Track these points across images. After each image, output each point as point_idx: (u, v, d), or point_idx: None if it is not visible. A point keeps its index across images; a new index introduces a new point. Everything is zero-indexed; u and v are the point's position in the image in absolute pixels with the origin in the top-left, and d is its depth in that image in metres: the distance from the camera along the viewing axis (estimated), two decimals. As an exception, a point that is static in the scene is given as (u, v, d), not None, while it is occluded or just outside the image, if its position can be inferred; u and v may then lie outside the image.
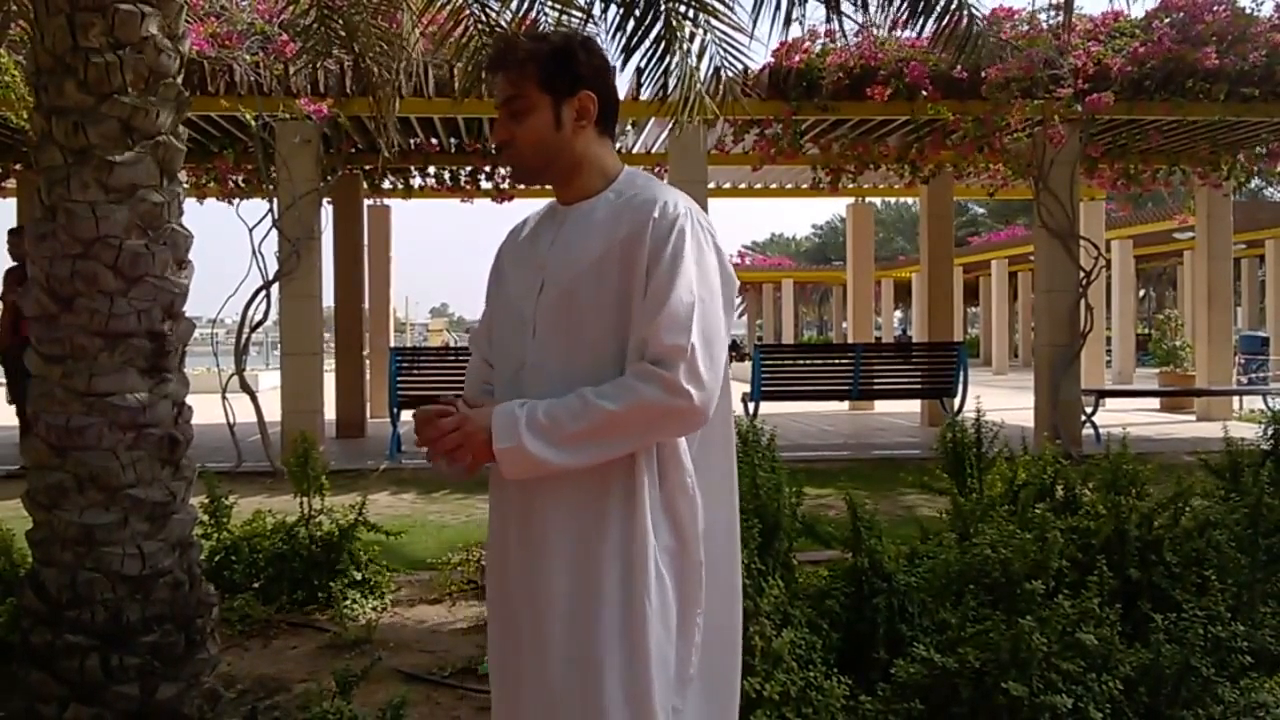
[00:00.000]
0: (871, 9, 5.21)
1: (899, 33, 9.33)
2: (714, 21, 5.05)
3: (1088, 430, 10.12)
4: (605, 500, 1.80)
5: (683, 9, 4.97)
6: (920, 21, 5.25)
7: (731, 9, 5.00)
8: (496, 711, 1.97)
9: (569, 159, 1.91)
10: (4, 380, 9.25)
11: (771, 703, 2.68)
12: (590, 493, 1.80)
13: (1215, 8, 9.13)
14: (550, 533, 1.83)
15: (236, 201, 10.73)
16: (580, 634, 1.79)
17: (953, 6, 5.19)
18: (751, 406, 10.43)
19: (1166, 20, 9.24)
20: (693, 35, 5.06)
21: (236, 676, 3.69)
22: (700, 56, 5.15)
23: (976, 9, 5.32)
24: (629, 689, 1.76)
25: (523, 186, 12.97)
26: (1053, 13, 9.41)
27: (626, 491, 1.80)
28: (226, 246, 12.52)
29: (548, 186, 2.00)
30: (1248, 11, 9.27)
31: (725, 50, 5.24)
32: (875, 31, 8.84)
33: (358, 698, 2.92)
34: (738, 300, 1.90)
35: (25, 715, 3.02)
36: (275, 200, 9.10)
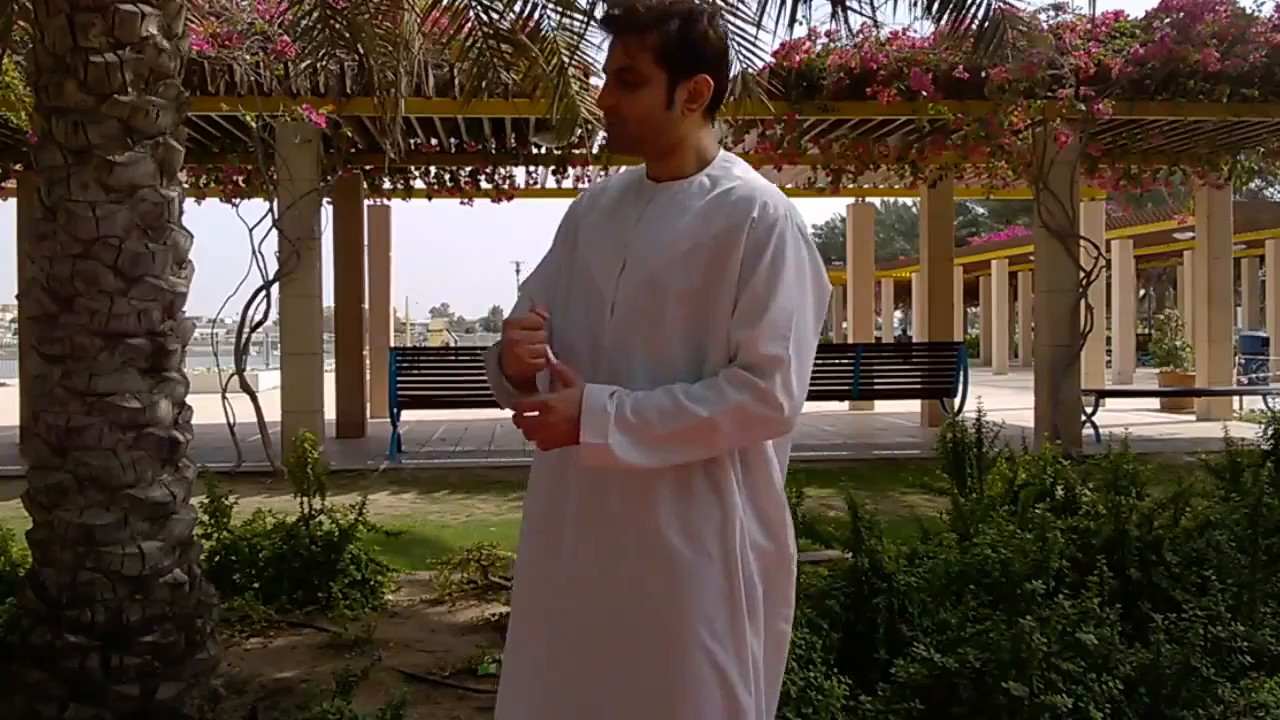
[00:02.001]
0: (880, 6, 5.19)
1: (911, 30, 9.36)
2: (728, 19, 5.05)
3: (1088, 430, 10.12)
4: (690, 493, 1.76)
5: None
6: (938, 15, 5.21)
7: (740, 3, 5.00)
8: (519, 703, 1.87)
9: (671, 139, 1.84)
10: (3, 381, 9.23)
11: (771, 703, 2.67)
12: (675, 485, 1.76)
13: (1215, 8, 9.13)
14: (629, 518, 1.77)
15: (237, 201, 10.74)
16: (665, 625, 1.74)
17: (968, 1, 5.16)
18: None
19: (1166, 20, 9.24)
20: None
21: (236, 676, 3.69)
22: None
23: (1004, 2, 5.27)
24: (721, 683, 1.73)
25: (523, 185, 13.03)
26: (1053, 13, 9.42)
27: (713, 484, 1.77)
28: (226, 246, 12.52)
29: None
30: (1248, 12, 9.27)
31: (739, 47, 5.23)
32: (876, 31, 8.86)
33: (358, 698, 2.92)
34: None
35: (25, 715, 3.02)
36: (275, 200, 9.10)
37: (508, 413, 1.83)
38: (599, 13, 5.06)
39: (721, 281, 1.76)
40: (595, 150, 10.87)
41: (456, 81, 8.77)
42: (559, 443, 1.74)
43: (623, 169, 2.38)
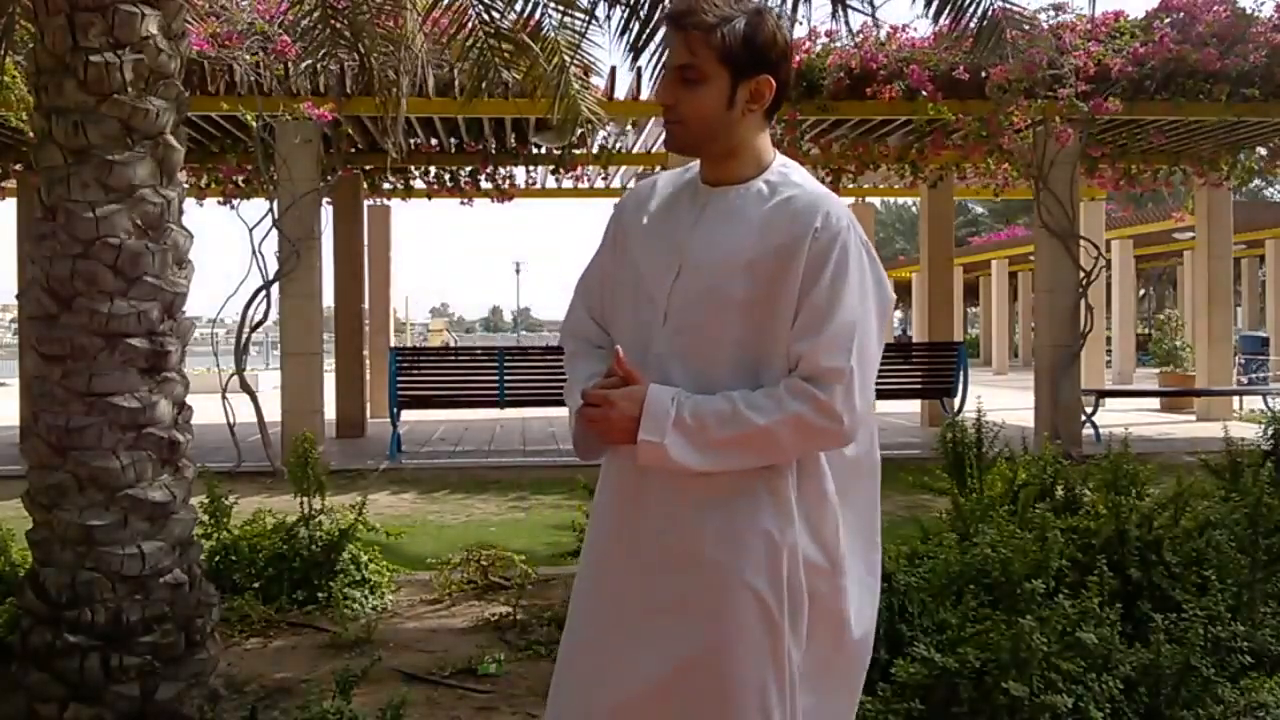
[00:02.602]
0: (880, 6, 5.19)
1: (911, 29, 9.35)
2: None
3: (1088, 430, 10.12)
4: (754, 499, 1.75)
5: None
6: (937, 14, 5.20)
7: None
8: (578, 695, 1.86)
9: (730, 140, 1.80)
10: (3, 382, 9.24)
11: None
12: (732, 490, 1.75)
13: (1215, 8, 9.13)
14: (690, 519, 1.76)
15: (237, 202, 10.73)
16: (718, 612, 1.74)
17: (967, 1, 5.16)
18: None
19: (1167, 20, 9.24)
20: None
21: (236, 676, 3.69)
22: None
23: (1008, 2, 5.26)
24: (762, 677, 1.73)
25: (523, 185, 13.02)
26: (1053, 13, 9.42)
27: (771, 491, 1.75)
28: (226, 246, 12.53)
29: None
30: (1248, 12, 9.27)
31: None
32: (876, 31, 8.86)
33: (358, 698, 2.92)
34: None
35: (25, 715, 3.02)
36: (275, 200, 9.10)
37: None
38: (600, 12, 5.08)
39: (783, 293, 1.73)
40: (595, 150, 10.89)
41: (457, 81, 8.77)
42: (619, 439, 1.75)
43: (660, 171, 2.32)
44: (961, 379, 10.84)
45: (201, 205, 11.79)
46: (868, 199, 15.72)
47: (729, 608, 1.73)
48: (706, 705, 1.74)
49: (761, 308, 1.74)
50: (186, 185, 6.88)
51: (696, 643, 1.74)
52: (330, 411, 10.72)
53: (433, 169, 11.81)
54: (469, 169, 11.77)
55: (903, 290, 33.47)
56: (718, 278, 1.76)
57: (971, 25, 5.29)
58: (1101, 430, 9.89)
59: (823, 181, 12.62)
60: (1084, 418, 10.11)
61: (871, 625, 1.91)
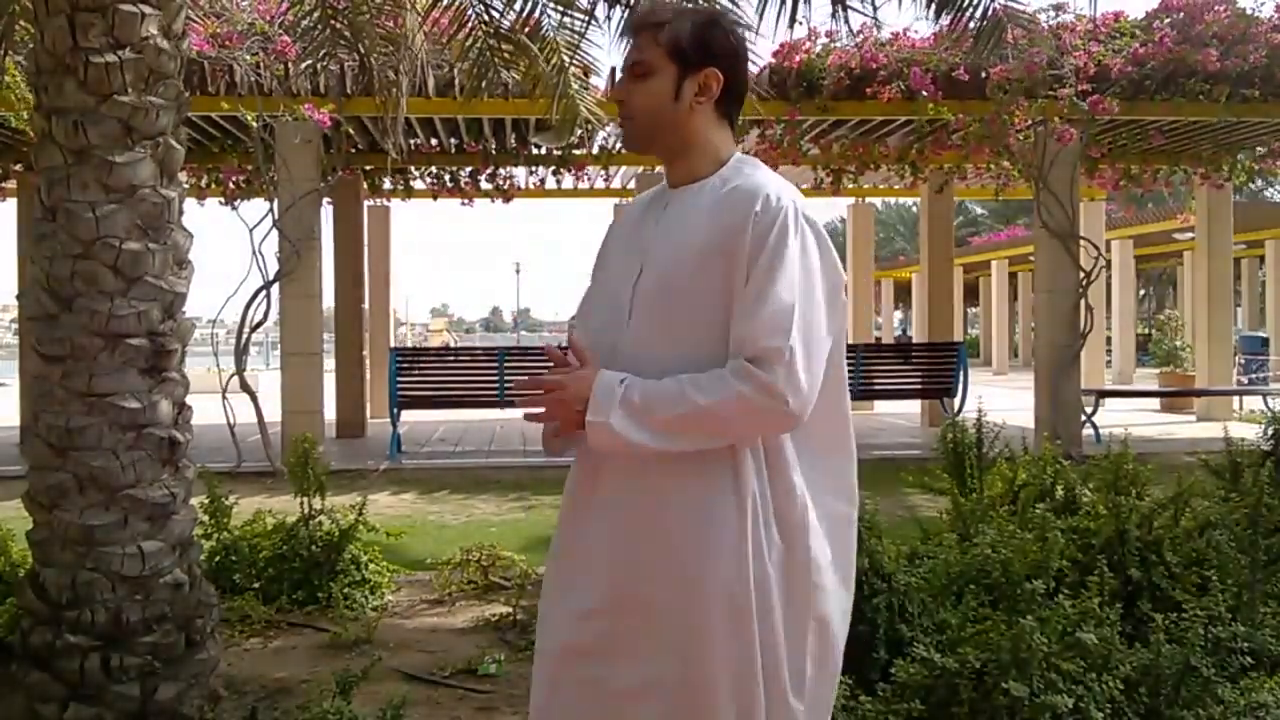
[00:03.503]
0: (880, 6, 5.19)
1: (911, 30, 9.35)
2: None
3: (1088, 430, 10.12)
4: (715, 493, 1.76)
5: (691, 9, 4.95)
6: (937, 14, 5.19)
7: (738, 6, 5.00)
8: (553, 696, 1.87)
9: (681, 135, 1.86)
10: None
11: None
12: (697, 483, 1.77)
13: (1215, 8, 9.13)
14: (655, 516, 1.78)
15: (237, 202, 10.73)
16: (686, 616, 1.75)
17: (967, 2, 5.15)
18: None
19: (1166, 21, 9.24)
20: None
21: (236, 676, 3.69)
22: None
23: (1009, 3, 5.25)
24: (737, 684, 1.73)
25: (524, 186, 13.01)
26: (1053, 13, 9.42)
27: (736, 489, 1.76)
28: (226, 246, 12.53)
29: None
30: (1248, 12, 9.27)
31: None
32: (876, 31, 8.86)
33: (358, 698, 2.92)
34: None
35: (25, 715, 3.02)
36: (275, 200, 9.10)
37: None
38: (600, 12, 5.08)
39: (734, 278, 1.76)
40: (595, 150, 10.88)
41: (457, 81, 8.77)
42: (573, 423, 1.77)
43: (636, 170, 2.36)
44: (961, 379, 10.84)
45: (202, 205, 11.79)
46: (868, 199, 15.71)
47: (699, 613, 1.74)
48: (679, 710, 1.75)
49: (716, 296, 1.77)
50: (186, 185, 6.88)
51: (667, 653, 1.76)
52: (330, 412, 10.72)
53: (433, 169, 11.81)
54: (469, 169, 11.77)
55: (903, 290, 33.50)
56: (672, 270, 1.81)
57: (972, 25, 5.28)
58: (1101, 430, 9.89)
59: (822, 181, 12.61)
60: (1084, 418, 10.10)
61: (846, 609, 1.91)
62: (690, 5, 1.86)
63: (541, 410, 1.81)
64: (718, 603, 1.74)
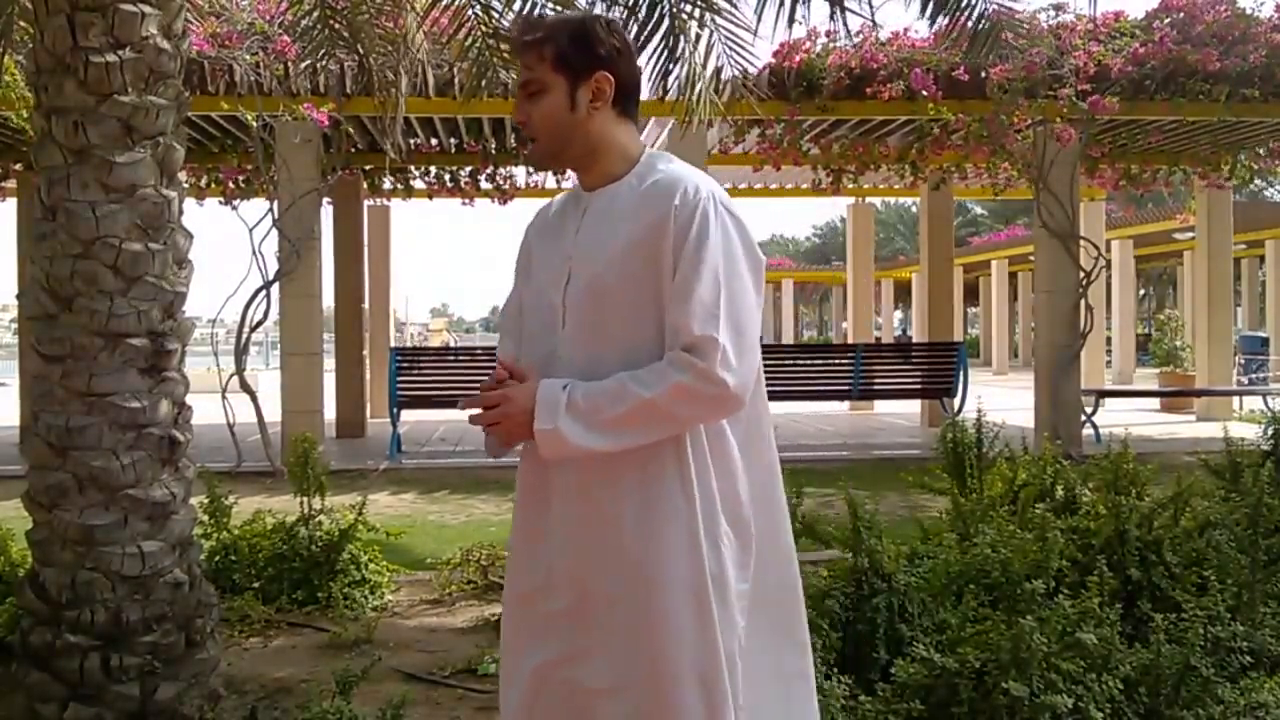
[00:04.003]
0: (879, 7, 5.19)
1: (911, 30, 9.34)
2: (719, 20, 5.04)
3: (1088, 430, 10.11)
4: (661, 483, 1.79)
5: (689, 9, 4.96)
6: (934, 15, 5.19)
7: (736, 7, 5.00)
8: (516, 698, 1.90)
9: (585, 142, 1.89)
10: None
11: (771, 703, 2.67)
12: (645, 474, 1.80)
13: (1215, 8, 9.13)
14: (607, 511, 1.81)
15: (237, 202, 10.73)
16: (647, 611, 1.78)
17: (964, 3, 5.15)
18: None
19: (1166, 20, 9.24)
20: (698, 37, 5.05)
21: (236, 676, 3.69)
22: (707, 56, 5.14)
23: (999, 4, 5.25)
24: (700, 666, 1.77)
25: (524, 185, 13.01)
26: (1053, 13, 9.42)
27: (681, 475, 1.80)
28: (226, 246, 12.52)
29: (568, 173, 2.00)
30: (1248, 12, 9.27)
31: (732, 49, 5.23)
32: (876, 32, 8.85)
33: (358, 698, 2.92)
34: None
35: (25, 715, 3.02)
36: (275, 200, 9.10)
37: None
38: (599, 12, 5.08)
39: (660, 274, 1.80)
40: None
41: (456, 81, 8.77)
42: (518, 436, 1.81)
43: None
44: (961, 379, 10.84)
45: (201, 205, 11.79)
46: (868, 199, 15.71)
47: (658, 609, 1.77)
48: (648, 705, 1.78)
49: (646, 292, 1.81)
50: (186, 185, 6.88)
51: (634, 653, 1.78)
52: (330, 411, 10.72)
53: (433, 169, 11.81)
54: (469, 169, 11.77)
55: (903, 290, 33.50)
56: (600, 271, 1.84)
57: (969, 25, 5.28)
58: (1101, 430, 9.88)
59: (822, 182, 12.61)
60: (1084, 418, 10.10)
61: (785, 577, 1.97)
62: (563, 13, 1.88)
63: (490, 411, 1.82)
64: (678, 601, 1.77)
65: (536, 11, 5.04)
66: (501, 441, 1.87)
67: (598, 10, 5.04)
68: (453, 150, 11.43)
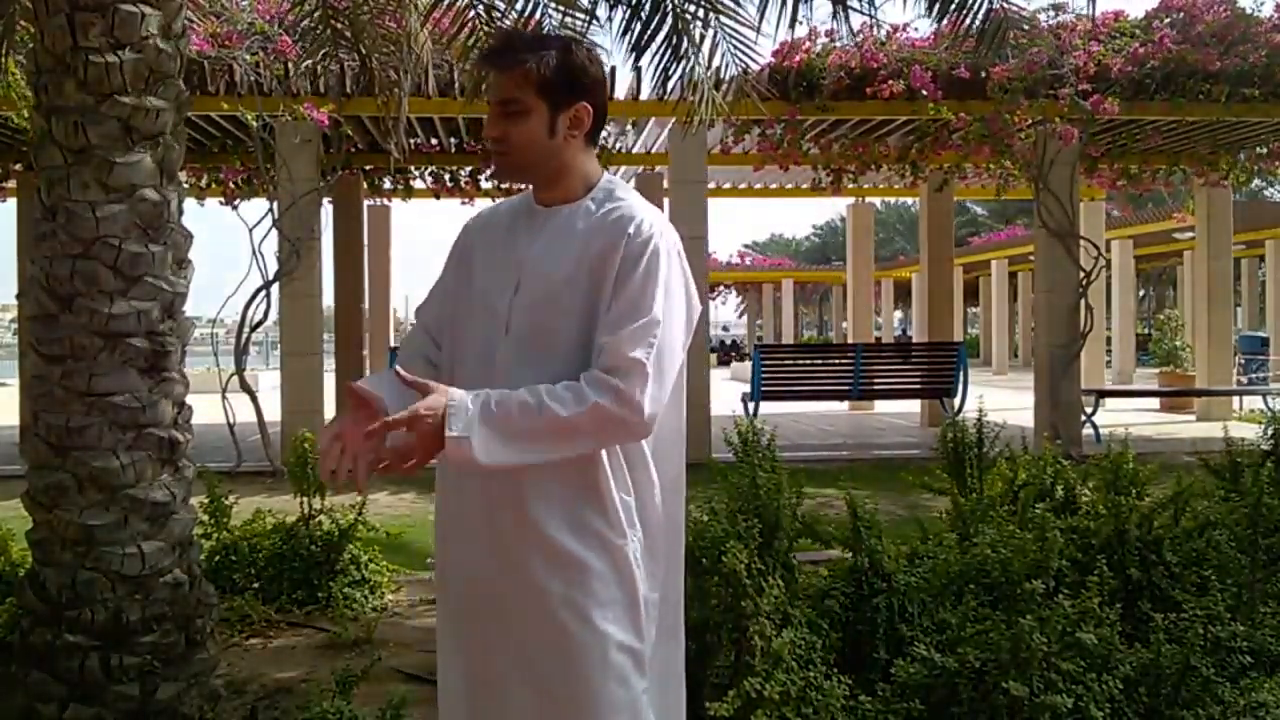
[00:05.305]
0: (881, 5, 5.19)
1: (911, 28, 9.34)
2: (723, 19, 5.04)
3: (1088, 430, 10.12)
4: (580, 495, 1.86)
5: (693, 8, 4.96)
6: (939, 15, 5.18)
7: (740, 6, 4.99)
8: (455, 702, 1.99)
9: (556, 165, 1.94)
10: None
11: (772, 703, 2.67)
12: (565, 486, 1.86)
13: (1215, 8, 9.14)
14: (528, 522, 1.86)
15: (237, 202, 10.73)
16: (567, 621, 1.85)
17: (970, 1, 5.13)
18: (751, 406, 10.43)
19: (1166, 20, 9.24)
20: (702, 37, 5.05)
21: (236, 676, 3.69)
22: (710, 56, 5.14)
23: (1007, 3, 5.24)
24: (618, 669, 1.85)
25: (524, 185, 13.00)
26: (1053, 13, 9.42)
27: (594, 487, 1.86)
28: (226, 246, 12.52)
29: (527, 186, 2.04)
30: (1248, 12, 9.27)
31: (735, 49, 5.22)
32: (876, 31, 8.85)
33: (358, 698, 2.92)
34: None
35: (25, 715, 3.02)
36: (275, 200, 9.10)
37: None
38: (601, 13, 5.07)
39: (604, 297, 1.85)
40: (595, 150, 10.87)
41: (457, 81, 8.77)
42: (432, 446, 1.74)
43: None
44: (961, 379, 10.84)
45: (202, 205, 11.80)
46: (868, 199, 15.71)
47: (578, 638, 1.83)
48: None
49: (590, 312, 1.86)
50: (186, 185, 6.88)
51: (552, 676, 1.85)
52: (330, 411, 10.71)
53: (433, 169, 11.81)
54: (469, 169, 11.78)
55: (903, 290, 33.49)
56: (551, 288, 1.89)
57: (974, 26, 5.27)
58: (1101, 430, 9.89)
59: (822, 181, 12.62)
60: (1084, 418, 10.11)
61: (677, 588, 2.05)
62: (547, 34, 1.92)
63: (399, 453, 1.76)
64: (594, 612, 1.84)
65: (539, 14, 5.04)
66: (417, 462, 1.77)
67: (600, 10, 5.04)
68: (453, 150, 11.43)
